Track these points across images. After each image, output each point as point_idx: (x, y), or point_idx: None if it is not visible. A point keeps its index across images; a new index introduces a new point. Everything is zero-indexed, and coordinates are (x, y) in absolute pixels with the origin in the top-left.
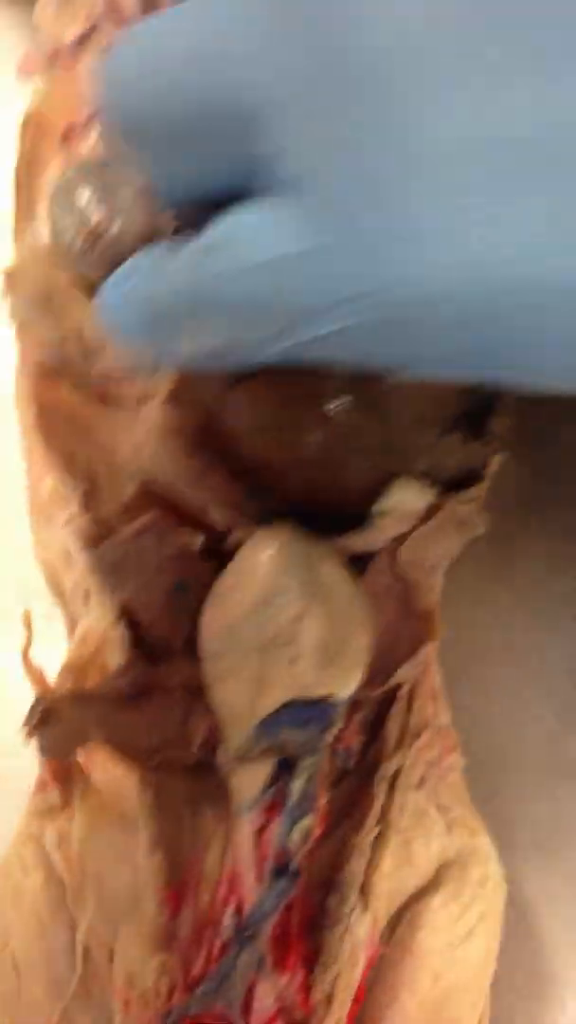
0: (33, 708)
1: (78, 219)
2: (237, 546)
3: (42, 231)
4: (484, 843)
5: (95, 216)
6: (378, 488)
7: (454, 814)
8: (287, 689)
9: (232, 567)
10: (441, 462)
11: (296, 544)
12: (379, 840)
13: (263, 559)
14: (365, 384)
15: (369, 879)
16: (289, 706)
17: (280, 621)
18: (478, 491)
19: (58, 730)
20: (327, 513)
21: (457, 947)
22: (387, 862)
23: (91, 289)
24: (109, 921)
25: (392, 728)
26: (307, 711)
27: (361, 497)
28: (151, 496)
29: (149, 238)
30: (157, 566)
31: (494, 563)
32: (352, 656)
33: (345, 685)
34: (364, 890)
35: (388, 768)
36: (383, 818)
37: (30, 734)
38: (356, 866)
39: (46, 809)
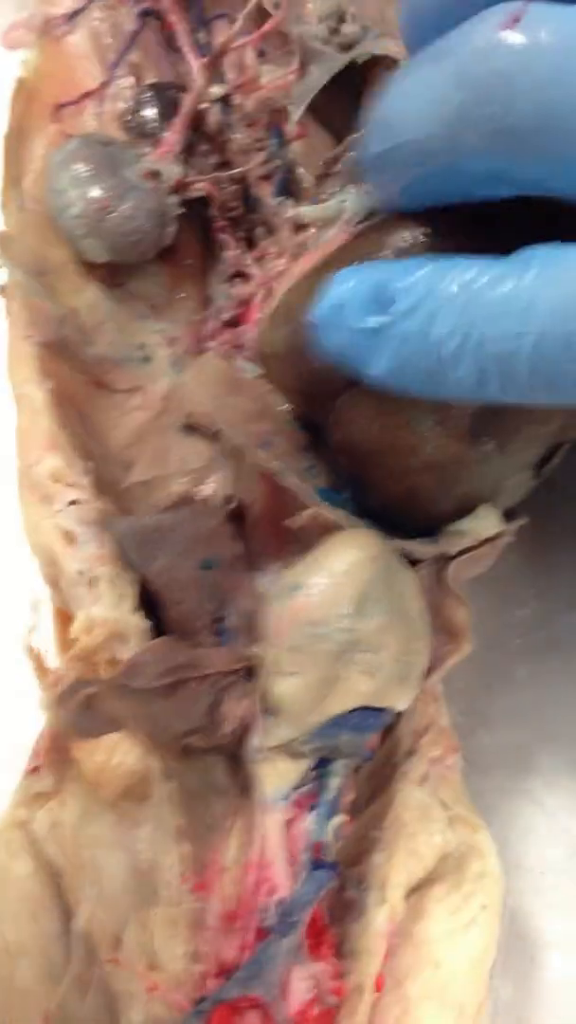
0: (73, 689)
1: (85, 193)
2: (311, 525)
3: (29, 202)
4: (484, 839)
5: (102, 192)
6: (462, 508)
7: (455, 811)
8: (359, 697)
9: (322, 563)
10: (516, 499)
11: (388, 553)
12: (394, 834)
13: (362, 563)
14: (505, 417)
15: (386, 871)
16: (354, 712)
17: (368, 629)
18: (517, 525)
19: (96, 714)
20: (407, 518)
21: (458, 936)
22: (400, 855)
23: (88, 266)
24: (112, 908)
25: (405, 728)
26: (368, 718)
27: (447, 513)
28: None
29: (157, 223)
30: (189, 540)
31: None
32: (418, 675)
33: (407, 700)
34: (382, 882)
35: (407, 767)
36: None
37: (66, 714)
38: (378, 859)
39: (35, 795)
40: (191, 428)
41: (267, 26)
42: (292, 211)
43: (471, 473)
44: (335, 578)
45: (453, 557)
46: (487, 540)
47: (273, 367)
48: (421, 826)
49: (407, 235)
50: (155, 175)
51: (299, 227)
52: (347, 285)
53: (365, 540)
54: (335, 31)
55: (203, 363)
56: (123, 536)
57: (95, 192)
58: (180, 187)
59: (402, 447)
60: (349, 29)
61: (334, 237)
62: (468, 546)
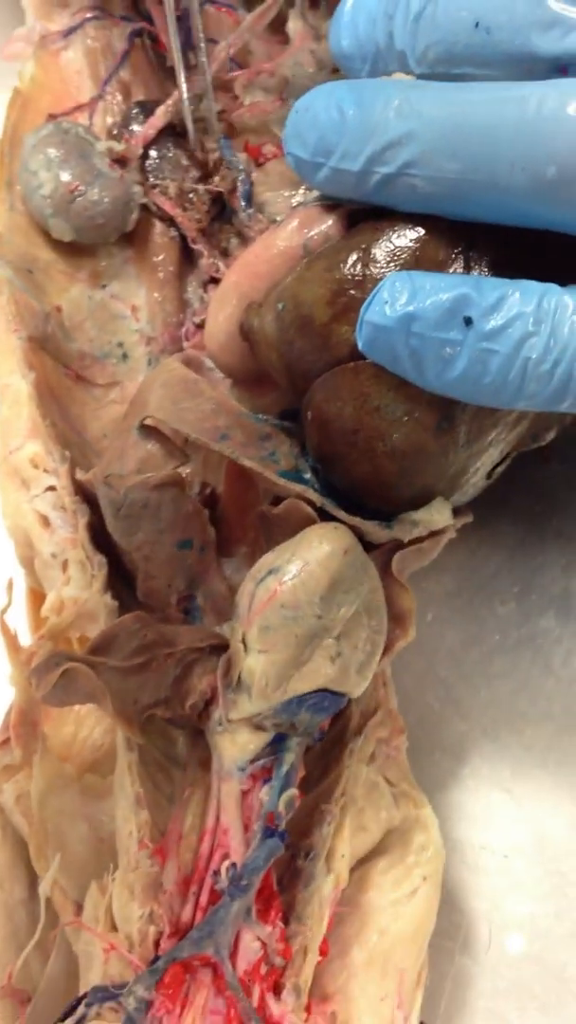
0: (49, 662)
1: (55, 175)
2: (282, 515)
3: (19, 204)
4: (427, 814)
5: (71, 176)
6: (419, 498)
7: (400, 788)
8: (322, 679)
9: (299, 551)
10: (467, 498)
11: (359, 549)
12: (341, 808)
13: (336, 554)
14: (474, 416)
15: (333, 843)
16: (317, 693)
17: (338, 616)
18: (462, 521)
19: (69, 686)
20: (367, 500)
21: (401, 905)
22: (347, 828)
23: (73, 267)
24: (75, 875)
25: (355, 709)
26: (327, 700)
27: (405, 501)
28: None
29: (122, 210)
30: (171, 519)
31: None
32: (373, 665)
33: (363, 687)
34: (329, 853)
35: (355, 744)
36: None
37: (42, 685)
38: (327, 831)
39: (3, 767)
40: (147, 431)
41: (265, 66)
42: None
43: (432, 465)
44: (310, 566)
45: (403, 546)
46: (434, 533)
47: (260, 344)
48: (368, 802)
49: (441, 251)
50: (121, 162)
51: None
52: (417, 296)
53: (340, 534)
54: (334, 71)
55: (161, 368)
56: (112, 504)
57: (65, 176)
58: (146, 187)
59: (371, 430)
60: None
61: (308, 223)
62: (418, 536)
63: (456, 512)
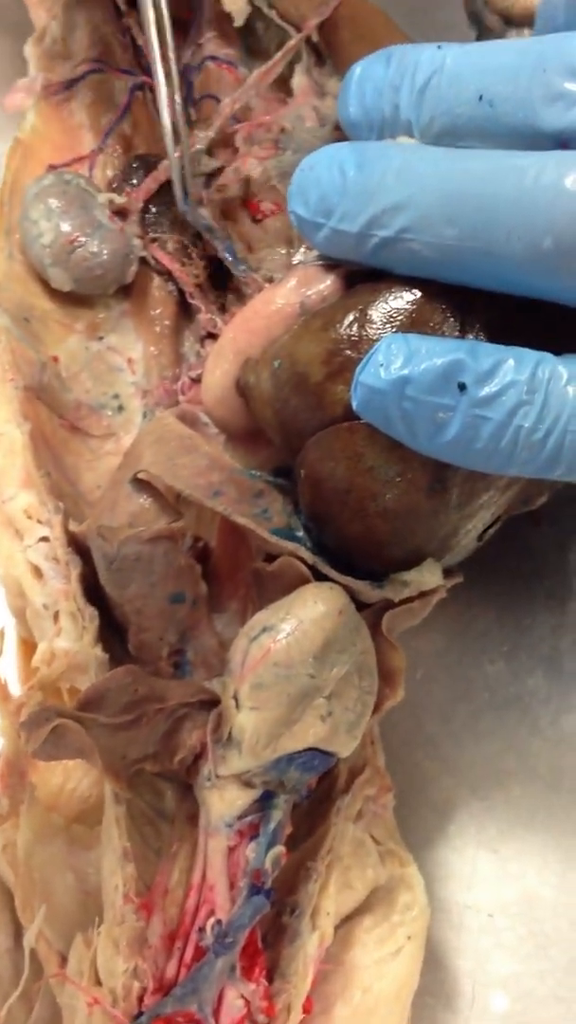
0: (40, 717)
1: (55, 226)
2: (276, 573)
3: (17, 253)
4: (412, 873)
5: (71, 227)
6: (410, 559)
7: (386, 846)
8: (312, 739)
9: (293, 609)
10: (458, 559)
11: (353, 609)
12: (327, 866)
13: (331, 613)
14: (466, 479)
15: (319, 901)
16: (307, 751)
17: (330, 676)
18: (453, 581)
19: (61, 741)
20: (358, 560)
21: (385, 964)
22: (332, 886)
23: (70, 318)
24: (60, 926)
25: (343, 767)
26: (317, 759)
27: (395, 561)
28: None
29: (121, 263)
30: (163, 573)
31: None
32: (363, 725)
33: (351, 749)
34: (314, 911)
35: (342, 803)
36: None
37: (32, 740)
38: (312, 888)
39: None
40: (141, 485)
41: (265, 119)
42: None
43: (424, 526)
44: (304, 626)
45: (393, 605)
46: (424, 594)
47: (255, 401)
48: (355, 860)
49: (437, 314)
50: (121, 214)
51: None
52: (412, 360)
53: (334, 594)
54: (336, 128)
55: (156, 423)
56: (105, 556)
57: (65, 226)
58: (145, 240)
59: (364, 490)
60: None
61: (306, 282)
62: (408, 596)
63: (446, 573)
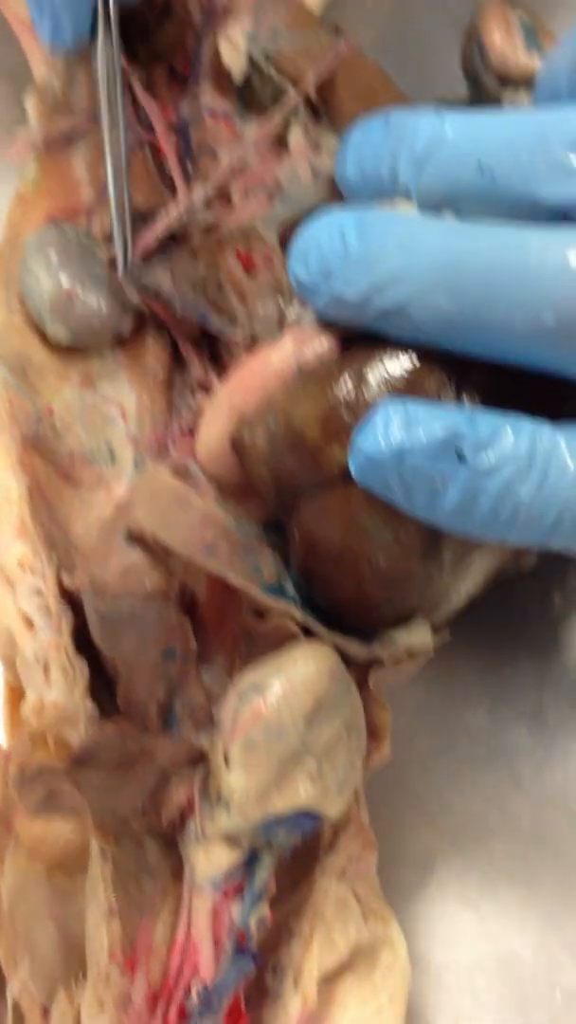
0: (34, 777)
1: (55, 280)
2: (267, 628)
3: (16, 304)
4: (395, 932)
5: (70, 281)
6: (400, 618)
7: (369, 905)
8: (301, 800)
9: (283, 669)
10: (447, 617)
11: (343, 669)
12: (311, 926)
13: (323, 673)
14: (459, 542)
15: (302, 961)
16: (296, 813)
17: (319, 739)
18: (440, 639)
19: (52, 801)
20: (348, 618)
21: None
22: (315, 945)
23: (65, 367)
24: (43, 979)
25: (326, 825)
26: (304, 821)
27: (386, 621)
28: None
29: (118, 317)
30: (156, 630)
31: None
32: (352, 786)
33: (341, 809)
34: (297, 971)
35: (327, 861)
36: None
37: (26, 800)
38: (295, 948)
39: None
40: (133, 539)
41: (261, 172)
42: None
43: (417, 588)
44: (295, 686)
45: (381, 663)
46: (413, 653)
47: (250, 459)
48: (337, 918)
49: (434, 379)
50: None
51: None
52: (410, 428)
53: (325, 653)
54: (331, 184)
55: (150, 477)
56: (98, 613)
57: (65, 280)
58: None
59: (358, 553)
60: None
61: (303, 342)
62: (397, 656)
63: (434, 630)
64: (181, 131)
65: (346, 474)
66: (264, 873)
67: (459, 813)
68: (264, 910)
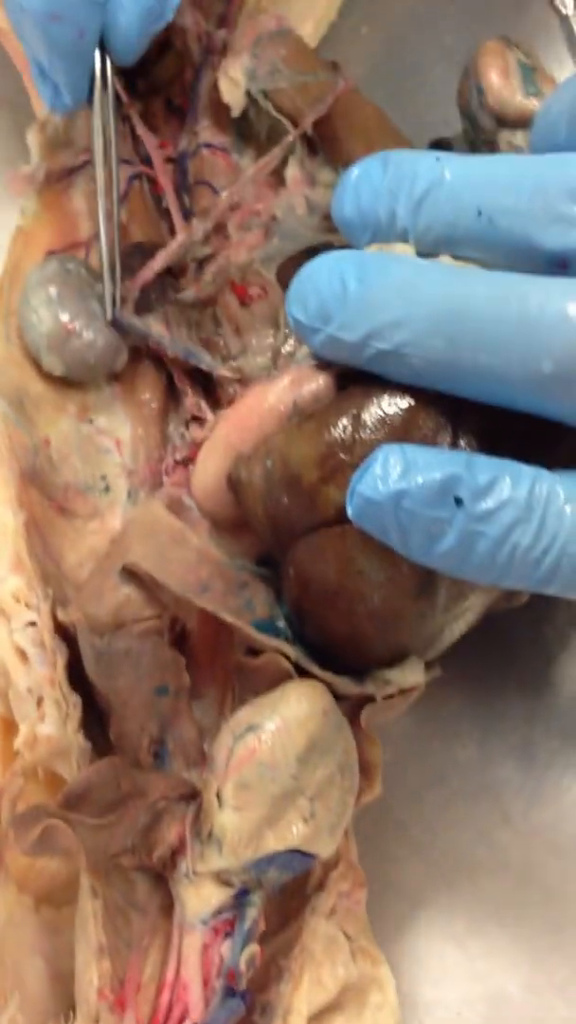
0: (30, 817)
1: (53, 315)
2: (267, 668)
3: (15, 336)
4: (384, 972)
5: (69, 317)
6: (393, 657)
7: (359, 943)
8: (294, 839)
9: (278, 709)
10: (439, 653)
11: (336, 709)
12: (300, 965)
13: (317, 713)
14: (453, 581)
15: (291, 1001)
16: (285, 852)
17: (312, 778)
18: (432, 675)
19: (47, 841)
20: (340, 655)
21: None
22: (304, 984)
23: (62, 399)
24: (29, 1012)
25: (316, 864)
26: (297, 860)
27: (379, 659)
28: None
29: (113, 353)
30: (150, 666)
31: None
32: (344, 825)
33: (332, 848)
34: (286, 1011)
35: (318, 900)
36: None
37: (21, 840)
38: (285, 988)
39: None
40: (128, 575)
41: (258, 207)
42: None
43: (410, 627)
44: (289, 726)
45: (373, 700)
46: (404, 690)
47: (246, 497)
48: (326, 957)
49: (431, 421)
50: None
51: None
52: (409, 473)
53: (319, 693)
54: (328, 218)
55: (146, 512)
56: (94, 649)
57: (63, 317)
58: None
59: (352, 593)
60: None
61: (299, 381)
62: (389, 694)
63: (426, 666)
64: (178, 163)
65: (342, 514)
66: (254, 911)
67: (447, 848)
68: (254, 949)
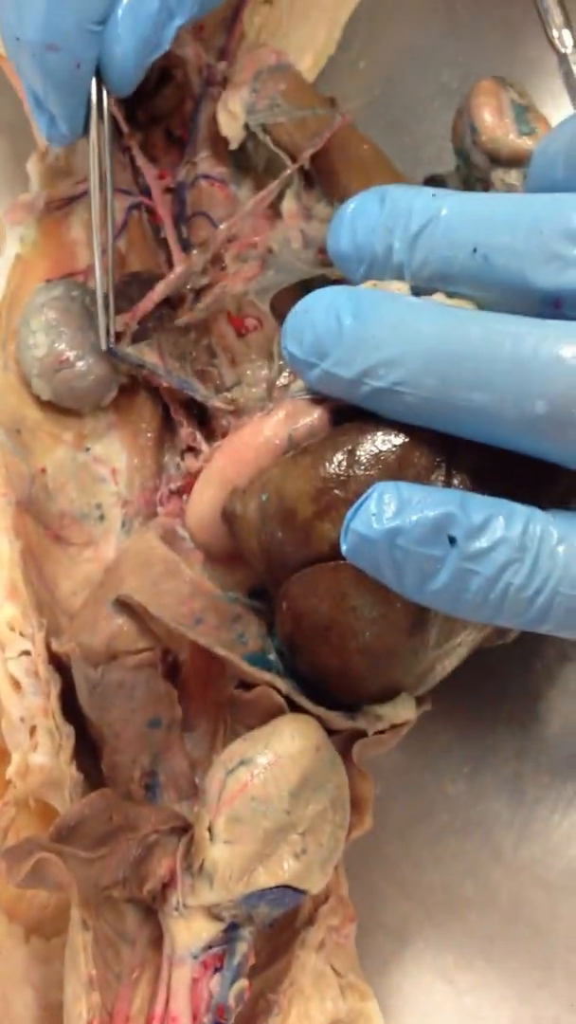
0: (22, 850)
1: (50, 341)
2: (259, 701)
3: (12, 364)
4: (372, 1007)
5: (65, 346)
6: (385, 692)
7: (348, 978)
8: (285, 875)
9: (272, 743)
10: (429, 688)
11: (329, 744)
12: (289, 1000)
13: (308, 749)
14: (444, 618)
15: None
16: (276, 888)
17: (305, 814)
18: (426, 707)
19: (38, 874)
20: (332, 690)
21: None
22: (293, 1018)
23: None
24: None
25: (306, 898)
26: (286, 896)
27: (370, 695)
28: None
29: (102, 387)
30: (143, 699)
31: None
32: (335, 859)
33: (322, 884)
34: None
35: (307, 934)
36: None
37: (14, 873)
38: (274, 1021)
39: None
40: (121, 607)
41: (255, 239)
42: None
43: (402, 663)
44: (282, 761)
45: (364, 735)
46: (396, 725)
47: (241, 530)
48: (315, 991)
49: (424, 458)
50: (116, 336)
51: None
52: (404, 511)
53: (311, 729)
54: (323, 252)
55: (140, 543)
56: (88, 680)
57: (59, 345)
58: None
59: (345, 629)
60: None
61: (294, 416)
62: (380, 729)
63: (418, 701)
64: (177, 193)
65: (336, 550)
66: (244, 946)
67: (436, 883)
68: (244, 984)
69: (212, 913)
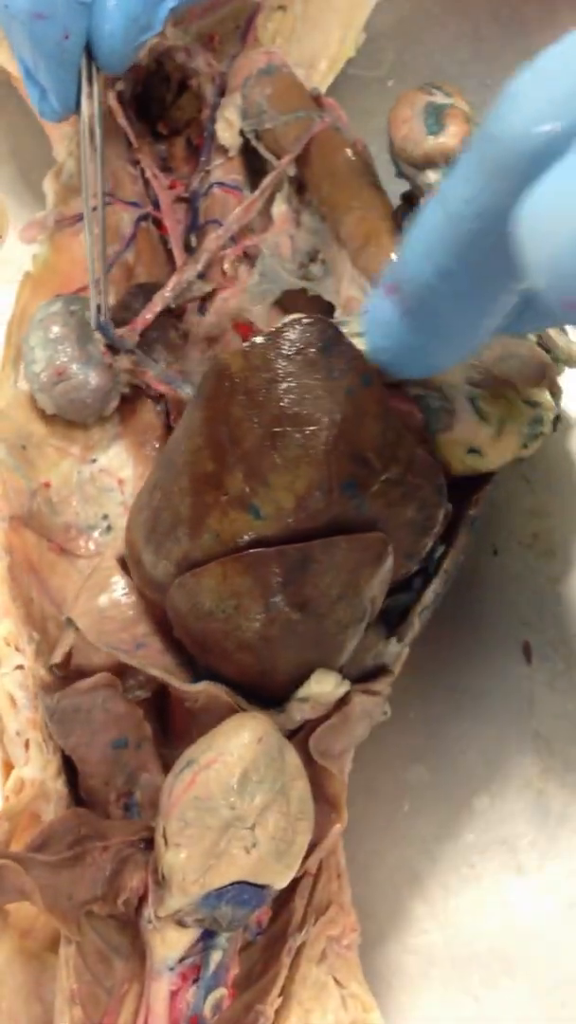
0: None
1: (50, 356)
2: (208, 707)
3: (22, 383)
4: (375, 1018)
5: (65, 360)
6: (301, 676)
7: (350, 989)
8: (239, 871)
9: (213, 742)
10: (359, 659)
11: (275, 735)
12: (283, 1009)
13: (248, 742)
14: (304, 582)
15: None
16: (234, 885)
17: (251, 805)
18: (385, 685)
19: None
20: (252, 691)
21: None
22: None
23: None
24: None
25: (299, 903)
26: (248, 893)
27: (285, 683)
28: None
29: (103, 398)
30: (103, 721)
31: None
32: (296, 853)
33: (285, 879)
34: None
35: (295, 941)
36: (287, 988)
37: None
38: None
39: None
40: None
41: (252, 243)
42: None
43: (284, 644)
44: (223, 756)
45: (314, 726)
46: (339, 705)
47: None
48: (316, 1003)
49: None
50: (114, 348)
51: None
52: None
53: (255, 723)
54: (304, 266)
55: (101, 562)
56: (47, 709)
57: (60, 358)
58: (134, 372)
59: (216, 633)
60: (315, 269)
61: None
62: (320, 714)
63: (380, 672)
64: (190, 203)
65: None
66: (219, 954)
67: (461, 903)
68: (221, 993)
69: (179, 921)
